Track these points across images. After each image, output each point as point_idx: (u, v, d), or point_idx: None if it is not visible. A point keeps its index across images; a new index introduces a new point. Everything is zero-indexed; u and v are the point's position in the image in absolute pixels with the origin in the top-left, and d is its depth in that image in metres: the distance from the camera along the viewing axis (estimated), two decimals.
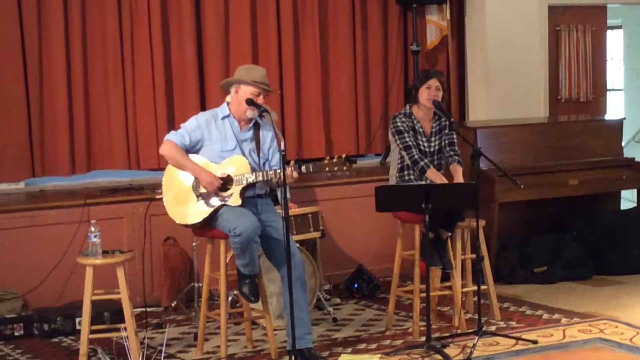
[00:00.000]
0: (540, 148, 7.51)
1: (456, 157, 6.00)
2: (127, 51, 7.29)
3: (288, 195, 5.54)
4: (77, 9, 7.12)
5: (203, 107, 7.30)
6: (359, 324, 6.22)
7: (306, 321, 5.30)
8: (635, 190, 7.91)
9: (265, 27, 7.76)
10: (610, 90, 10.16)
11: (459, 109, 8.50)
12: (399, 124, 5.95)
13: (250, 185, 5.30)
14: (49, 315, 6.12)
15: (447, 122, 6.01)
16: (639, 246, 7.41)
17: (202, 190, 5.30)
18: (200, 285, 5.90)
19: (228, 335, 5.61)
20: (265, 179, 5.25)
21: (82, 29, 7.16)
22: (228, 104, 5.43)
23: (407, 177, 5.95)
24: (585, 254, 7.36)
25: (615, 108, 11.09)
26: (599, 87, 8.98)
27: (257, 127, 5.46)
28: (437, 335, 5.68)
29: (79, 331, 5.69)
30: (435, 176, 5.85)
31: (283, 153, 4.99)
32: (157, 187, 5.62)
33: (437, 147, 6.01)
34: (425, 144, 5.98)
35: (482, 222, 5.91)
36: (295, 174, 5.16)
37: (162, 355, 4.13)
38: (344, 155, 5.16)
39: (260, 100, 5.33)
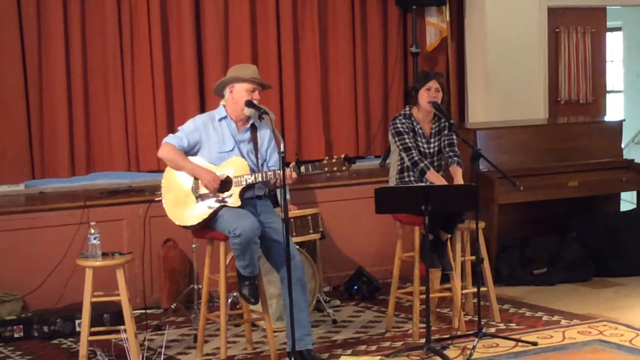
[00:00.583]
0: (540, 150, 7.52)
1: (456, 159, 5.99)
2: (126, 53, 7.30)
3: (288, 197, 5.54)
4: (77, 11, 7.13)
5: (203, 109, 7.30)
6: (359, 325, 6.22)
7: (306, 323, 5.30)
8: (634, 192, 7.90)
9: (265, 29, 7.76)
10: (609, 92, 10.16)
11: (459, 110, 8.51)
12: (398, 126, 5.95)
13: (249, 187, 5.30)
14: (49, 317, 6.12)
15: (447, 124, 6.01)
16: (638, 248, 7.41)
17: (202, 191, 5.31)
18: (200, 287, 5.89)
19: (228, 337, 5.61)
20: (265, 179, 5.25)
21: (82, 31, 7.17)
22: (224, 106, 5.44)
23: (407, 179, 5.95)
24: (585, 255, 7.36)
25: (614, 110, 11.10)
26: (599, 89, 8.98)
27: (254, 128, 5.46)
28: (436, 337, 5.67)
29: (78, 333, 5.68)
30: (435, 178, 5.85)
31: (283, 155, 4.99)
32: (156, 189, 5.62)
33: (436, 149, 6.01)
34: (425, 146, 5.98)
35: (481, 224, 5.90)
36: (294, 175, 5.17)
37: (162, 357, 4.13)
38: (343, 156, 5.17)
39: (256, 96, 5.33)
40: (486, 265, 6.20)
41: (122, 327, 5.23)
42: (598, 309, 6.38)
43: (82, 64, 7.18)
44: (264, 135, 5.48)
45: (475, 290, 5.91)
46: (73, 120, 7.18)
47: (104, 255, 5.30)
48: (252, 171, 5.30)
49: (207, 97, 7.50)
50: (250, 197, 5.35)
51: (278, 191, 5.63)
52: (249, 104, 5.32)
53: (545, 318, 6.21)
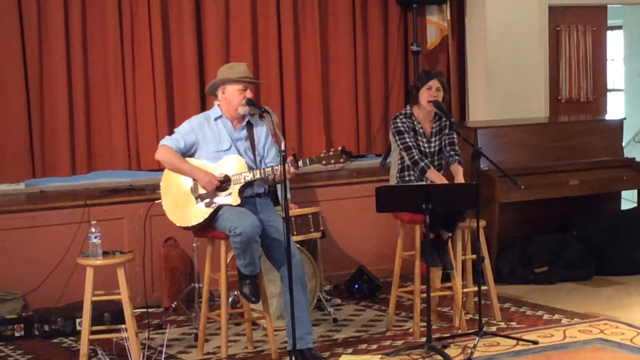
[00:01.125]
0: (541, 148, 7.51)
1: (457, 157, 5.99)
2: (127, 52, 7.29)
3: (288, 195, 5.54)
4: (77, 9, 7.12)
5: (203, 108, 7.29)
6: (360, 324, 6.22)
7: (307, 321, 5.30)
8: (635, 191, 7.90)
9: (266, 27, 7.76)
10: (610, 90, 10.16)
11: (459, 109, 8.49)
12: (399, 125, 5.95)
13: (248, 184, 5.30)
14: (50, 316, 6.12)
15: (448, 123, 6.01)
16: (639, 246, 7.40)
17: (201, 191, 5.31)
18: (201, 285, 5.89)
19: (228, 335, 5.62)
20: (263, 176, 5.25)
21: (82, 30, 7.16)
22: (219, 105, 5.45)
23: (407, 178, 5.95)
24: (585, 254, 7.36)
25: (615, 108, 11.10)
26: (600, 88, 8.97)
27: (250, 125, 5.47)
28: (437, 335, 5.67)
29: (79, 332, 5.68)
30: (435, 177, 5.85)
31: (283, 154, 4.99)
32: (157, 187, 5.61)
33: (437, 148, 6.01)
34: (426, 145, 5.97)
35: (482, 223, 5.90)
36: (292, 170, 5.17)
37: (163, 356, 4.12)
38: (340, 148, 5.19)
39: (248, 94, 5.34)
40: (487, 263, 6.20)
41: (122, 326, 5.23)
42: (599, 308, 6.38)
43: (82, 63, 7.17)
44: (260, 132, 5.49)
45: (476, 289, 5.91)
46: (74, 119, 7.17)
47: (105, 254, 5.30)
48: (250, 168, 5.30)
49: (207, 96, 7.49)
50: (250, 195, 5.35)
51: (278, 188, 5.64)
52: (250, 102, 5.34)
53: (546, 317, 6.21)
